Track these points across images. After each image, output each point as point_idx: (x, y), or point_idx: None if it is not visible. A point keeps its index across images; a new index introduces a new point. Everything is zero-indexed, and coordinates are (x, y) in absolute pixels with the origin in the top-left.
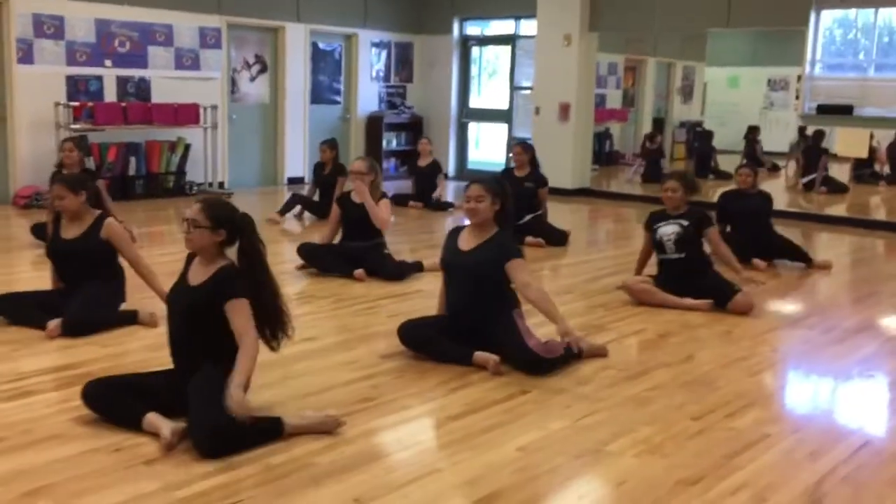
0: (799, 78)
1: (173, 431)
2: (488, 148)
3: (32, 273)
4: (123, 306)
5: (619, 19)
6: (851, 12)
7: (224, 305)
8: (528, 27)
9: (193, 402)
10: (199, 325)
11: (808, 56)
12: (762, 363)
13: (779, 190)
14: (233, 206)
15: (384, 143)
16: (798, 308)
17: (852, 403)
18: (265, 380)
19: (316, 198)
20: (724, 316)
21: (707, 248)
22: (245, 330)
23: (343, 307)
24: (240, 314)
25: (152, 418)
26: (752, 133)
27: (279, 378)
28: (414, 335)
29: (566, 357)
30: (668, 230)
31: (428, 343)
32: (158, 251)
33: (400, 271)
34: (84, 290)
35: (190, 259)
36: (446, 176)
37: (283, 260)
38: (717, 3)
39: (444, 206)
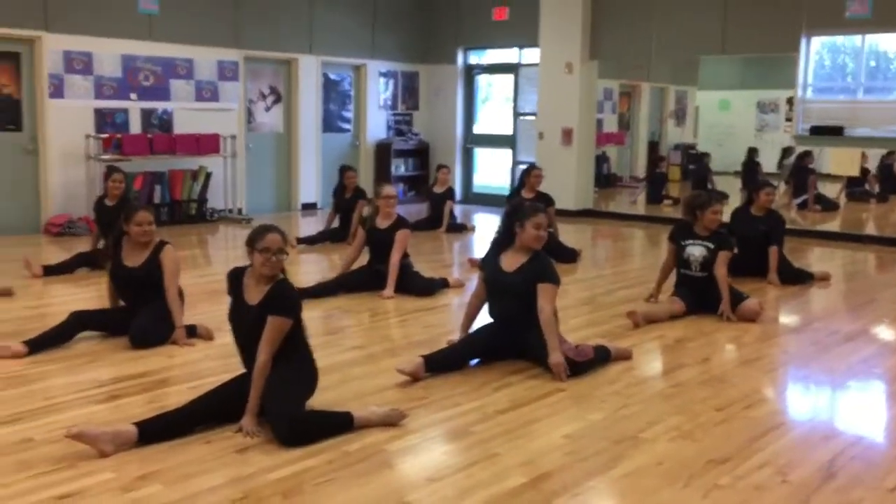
0: (788, 100)
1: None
2: (492, 172)
3: (82, 297)
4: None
5: (618, 47)
6: (839, 38)
7: (268, 316)
8: (531, 55)
9: (270, 398)
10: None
11: (800, 80)
12: (774, 362)
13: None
14: None
15: (393, 168)
16: (802, 315)
17: (858, 396)
18: (325, 383)
19: (336, 223)
20: (735, 324)
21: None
22: (263, 348)
23: (381, 320)
24: (272, 330)
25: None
26: (752, 154)
27: (337, 381)
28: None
29: (596, 360)
30: (696, 252)
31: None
32: (189, 274)
33: (429, 287)
34: (148, 307)
35: (232, 279)
36: (454, 201)
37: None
38: (711, 30)
39: (459, 228)
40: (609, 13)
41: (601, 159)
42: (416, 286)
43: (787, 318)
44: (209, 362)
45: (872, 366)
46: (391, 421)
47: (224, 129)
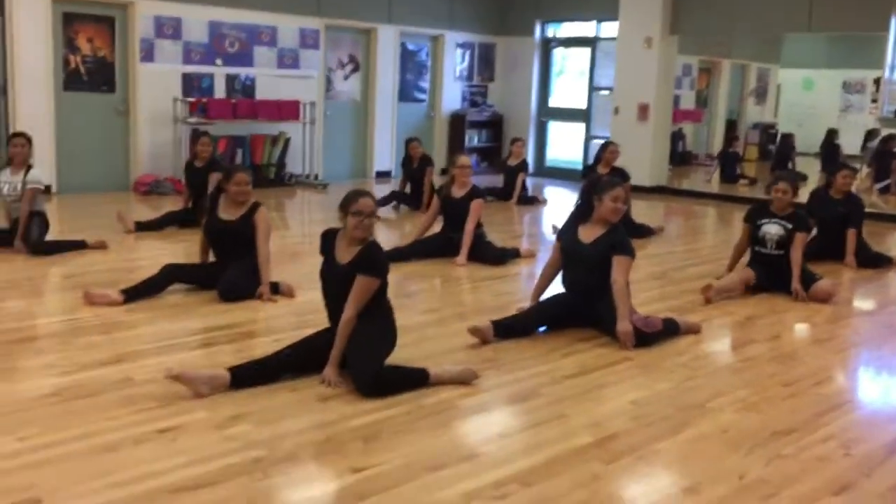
0: (876, 81)
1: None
2: (565, 146)
3: (170, 251)
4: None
5: (699, 23)
6: None
7: (357, 275)
8: (609, 29)
9: (353, 353)
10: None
11: (889, 60)
12: (845, 343)
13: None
14: None
15: (466, 139)
16: (877, 298)
17: None
18: (403, 341)
19: (407, 190)
20: (807, 304)
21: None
22: (350, 305)
23: (453, 286)
24: (359, 288)
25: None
26: (832, 136)
27: (414, 340)
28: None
29: (664, 332)
30: (773, 230)
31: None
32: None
33: (501, 257)
34: (237, 263)
35: (325, 239)
36: (527, 174)
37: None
38: (798, 7)
39: (531, 201)
40: None
41: (677, 136)
42: (489, 255)
43: (861, 301)
44: (290, 318)
45: None
46: (464, 379)
47: (304, 96)
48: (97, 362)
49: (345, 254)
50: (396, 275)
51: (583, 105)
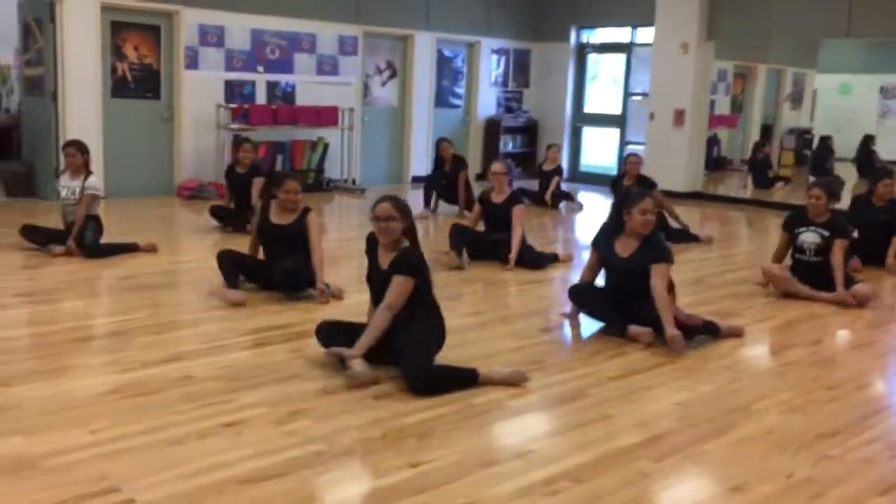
0: None
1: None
2: (600, 152)
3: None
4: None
5: (735, 28)
6: None
7: (393, 275)
8: (645, 35)
9: (405, 353)
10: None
11: None
12: (886, 348)
13: None
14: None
15: (501, 145)
16: None
17: None
18: (448, 343)
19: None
20: (848, 309)
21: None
22: (388, 304)
23: (496, 290)
24: (395, 287)
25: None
26: (868, 142)
27: (458, 342)
28: (581, 296)
29: (706, 328)
30: (810, 238)
31: (591, 303)
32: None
33: (540, 261)
34: (291, 256)
35: (370, 243)
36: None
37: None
38: (836, 12)
39: (566, 196)
40: None
41: (712, 142)
42: (529, 259)
43: None
44: (340, 318)
45: None
46: (514, 381)
47: (342, 102)
48: (156, 360)
49: (385, 258)
50: (440, 279)
51: (618, 111)
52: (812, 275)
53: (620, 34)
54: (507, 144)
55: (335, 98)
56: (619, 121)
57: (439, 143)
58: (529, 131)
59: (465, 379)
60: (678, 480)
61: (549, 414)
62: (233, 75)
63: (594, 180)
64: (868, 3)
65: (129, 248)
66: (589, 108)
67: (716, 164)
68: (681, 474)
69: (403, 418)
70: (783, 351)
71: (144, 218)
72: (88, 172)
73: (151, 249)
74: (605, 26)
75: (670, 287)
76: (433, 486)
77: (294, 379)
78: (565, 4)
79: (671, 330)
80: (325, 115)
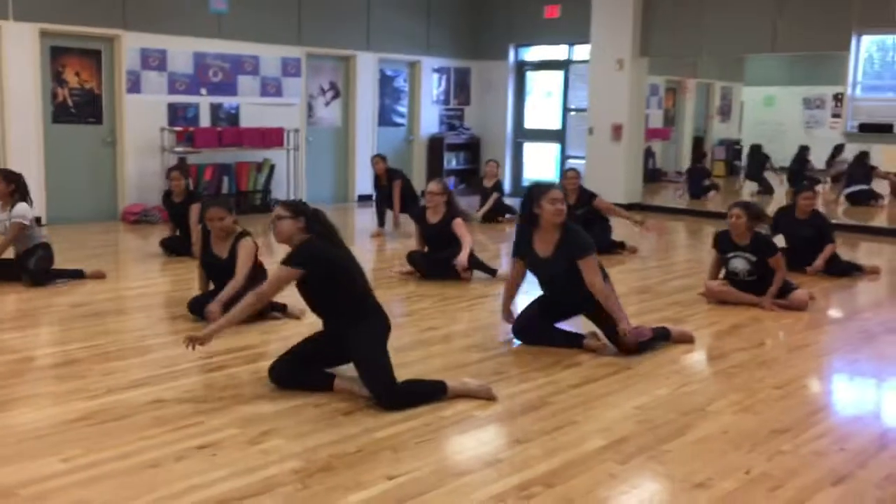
0: (835, 97)
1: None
2: (541, 166)
3: (167, 279)
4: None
5: (668, 45)
6: (889, 37)
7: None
8: (581, 52)
9: (361, 368)
10: (313, 294)
11: (850, 78)
12: (826, 348)
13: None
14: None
15: (445, 162)
16: (852, 306)
17: None
18: (412, 358)
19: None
20: (787, 313)
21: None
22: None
23: (450, 304)
24: (274, 274)
25: (339, 383)
26: (803, 152)
27: (421, 357)
28: (528, 334)
29: (655, 339)
30: (739, 265)
31: (540, 336)
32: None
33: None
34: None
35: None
36: (502, 194)
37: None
38: (762, 28)
39: (504, 210)
40: (660, 10)
41: (647, 154)
42: (477, 262)
43: (836, 309)
44: (300, 338)
45: None
46: (481, 395)
47: (287, 123)
48: (121, 386)
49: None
50: (396, 295)
51: (557, 126)
52: (751, 289)
53: (558, 52)
54: (451, 161)
55: (280, 119)
56: (559, 136)
57: (372, 160)
58: (472, 148)
59: (433, 392)
60: (645, 479)
61: (516, 423)
62: (176, 98)
63: None
64: (792, 20)
65: (74, 275)
66: (529, 123)
67: (651, 175)
68: (647, 473)
69: (374, 433)
70: (730, 354)
71: (89, 244)
72: (16, 201)
73: (99, 276)
74: (542, 44)
75: (604, 276)
76: (412, 496)
77: (260, 399)
78: (503, 23)
79: (623, 324)
80: (271, 137)
